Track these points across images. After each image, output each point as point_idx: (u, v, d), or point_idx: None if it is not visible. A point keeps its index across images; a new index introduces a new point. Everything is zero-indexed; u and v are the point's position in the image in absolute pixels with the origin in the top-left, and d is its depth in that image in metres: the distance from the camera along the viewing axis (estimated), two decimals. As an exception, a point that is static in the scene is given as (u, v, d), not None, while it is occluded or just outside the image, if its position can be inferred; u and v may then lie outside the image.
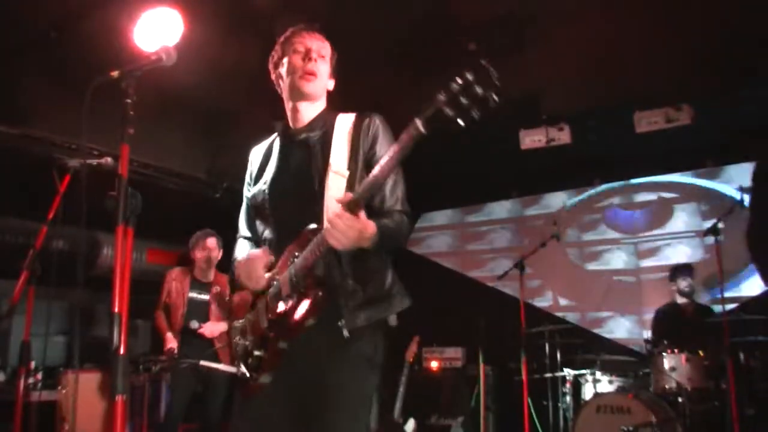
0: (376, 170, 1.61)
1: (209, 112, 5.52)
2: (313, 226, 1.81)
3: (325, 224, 1.70)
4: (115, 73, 1.68)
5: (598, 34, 4.55)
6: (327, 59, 2.04)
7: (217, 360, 4.34)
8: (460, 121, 1.46)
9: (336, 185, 1.85)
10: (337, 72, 2.10)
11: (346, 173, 1.88)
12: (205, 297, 4.73)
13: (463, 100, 1.44)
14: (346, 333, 1.79)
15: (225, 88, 4.90)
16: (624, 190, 6.52)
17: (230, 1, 4.10)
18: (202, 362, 3.79)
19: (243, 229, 2.19)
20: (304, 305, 1.78)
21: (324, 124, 2.00)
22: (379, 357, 1.90)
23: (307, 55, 1.99)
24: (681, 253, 6.02)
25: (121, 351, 1.50)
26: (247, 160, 2.20)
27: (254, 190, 2.08)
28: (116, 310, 1.52)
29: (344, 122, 1.99)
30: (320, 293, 1.78)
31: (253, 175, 2.13)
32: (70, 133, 5.01)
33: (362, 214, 1.65)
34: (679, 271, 5.31)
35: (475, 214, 7.39)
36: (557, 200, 6.87)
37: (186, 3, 3.78)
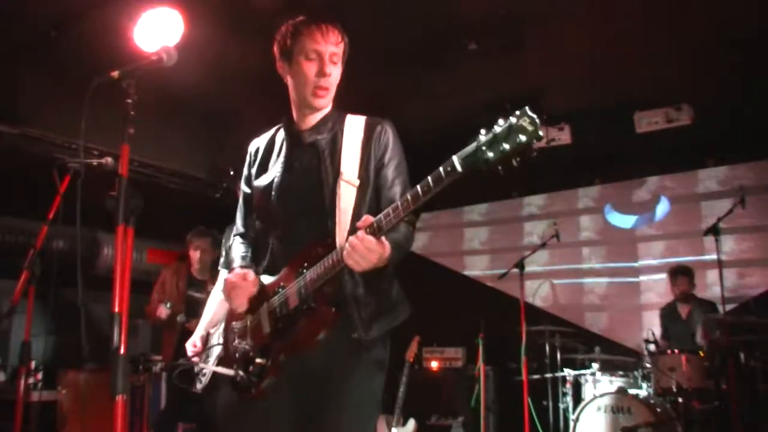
0: (401, 203, 1.57)
1: (210, 112, 5.53)
2: (325, 240, 1.79)
3: (338, 242, 1.71)
4: (115, 73, 1.67)
5: (598, 34, 4.55)
6: (340, 61, 1.91)
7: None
8: (499, 167, 1.42)
9: (347, 195, 1.82)
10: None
11: (357, 182, 1.84)
12: (201, 296, 4.56)
13: (505, 146, 1.40)
14: (359, 343, 1.80)
15: (225, 88, 4.90)
16: (624, 190, 6.52)
17: (230, 1, 4.10)
18: (201, 364, 3.63)
19: (239, 225, 2.16)
20: (314, 322, 1.77)
21: (333, 126, 1.94)
22: (387, 360, 1.91)
23: (321, 68, 1.86)
24: (681, 252, 6.02)
25: (121, 351, 1.50)
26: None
27: (257, 186, 2.02)
28: (116, 310, 1.52)
29: (354, 126, 1.93)
30: (332, 312, 1.76)
31: (254, 171, 2.06)
32: (70, 133, 5.01)
33: (383, 238, 1.62)
34: (673, 274, 5.30)
35: (475, 214, 7.39)
36: (557, 200, 6.87)
37: (186, 3, 3.79)
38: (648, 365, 4.66)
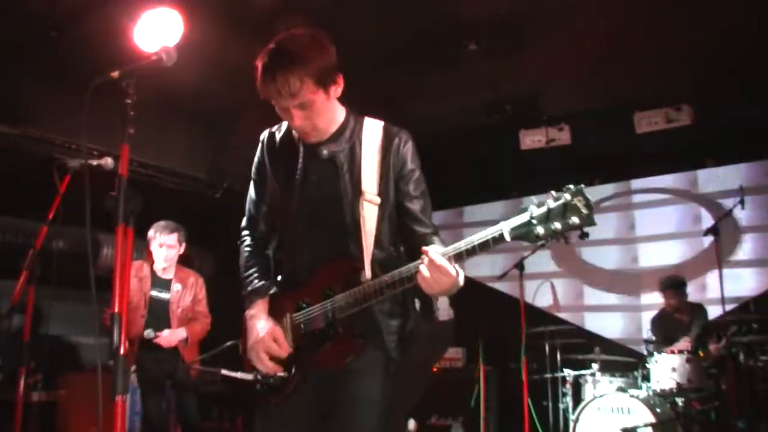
0: (460, 251, 1.58)
1: (209, 112, 5.53)
2: (352, 261, 1.79)
3: (366, 265, 1.74)
4: (115, 73, 1.67)
5: (598, 34, 4.55)
6: (312, 99, 1.74)
7: (186, 369, 4.14)
8: (545, 243, 1.46)
9: (369, 214, 1.81)
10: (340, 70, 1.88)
11: (378, 200, 1.82)
12: (166, 296, 4.28)
13: (557, 225, 1.41)
14: (392, 368, 1.83)
15: (225, 88, 4.90)
16: (624, 190, 6.51)
17: (230, 1, 4.10)
18: (223, 371, 3.37)
19: (251, 213, 2.06)
20: (343, 349, 1.78)
21: (351, 135, 1.88)
22: (401, 361, 1.93)
23: (291, 121, 1.80)
24: (681, 253, 6.02)
25: (121, 351, 1.50)
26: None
27: (273, 184, 1.95)
28: (116, 310, 1.52)
29: (372, 136, 1.87)
30: (362, 343, 1.78)
31: (269, 170, 1.98)
32: (70, 133, 5.01)
33: (456, 265, 1.60)
34: (666, 285, 5.19)
35: (475, 214, 7.39)
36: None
37: (186, 3, 3.79)
38: (648, 365, 4.66)
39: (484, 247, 1.54)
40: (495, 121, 5.75)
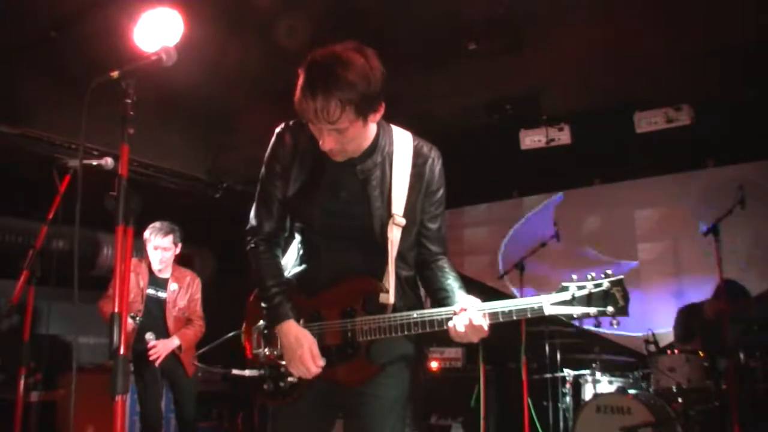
0: (496, 312, 1.68)
1: (209, 112, 5.52)
2: (375, 283, 1.80)
3: (390, 289, 1.79)
4: (114, 73, 1.67)
5: (598, 34, 4.56)
6: (348, 127, 1.66)
7: (183, 368, 4.19)
8: (577, 320, 1.59)
9: (396, 235, 1.82)
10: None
11: (403, 222, 1.82)
12: (162, 295, 4.29)
13: (593, 310, 1.55)
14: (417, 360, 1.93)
15: (225, 88, 4.90)
16: (624, 190, 6.51)
17: (230, 1, 4.10)
18: (234, 371, 3.40)
19: (257, 221, 1.92)
20: (360, 371, 1.79)
21: (382, 152, 1.83)
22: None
23: (320, 141, 1.71)
24: (681, 253, 6.01)
25: (121, 351, 1.50)
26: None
27: (296, 192, 1.86)
28: (116, 310, 1.52)
29: (402, 153, 1.84)
30: (378, 368, 1.80)
31: (287, 169, 1.86)
32: (70, 133, 5.01)
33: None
34: (733, 295, 4.78)
35: (475, 214, 7.39)
36: (557, 200, 6.87)
37: (186, 3, 3.79)
38: (648, 365, 4.66)
39: (521, 313, 1.63)
40: (495, 121, 5.76)
